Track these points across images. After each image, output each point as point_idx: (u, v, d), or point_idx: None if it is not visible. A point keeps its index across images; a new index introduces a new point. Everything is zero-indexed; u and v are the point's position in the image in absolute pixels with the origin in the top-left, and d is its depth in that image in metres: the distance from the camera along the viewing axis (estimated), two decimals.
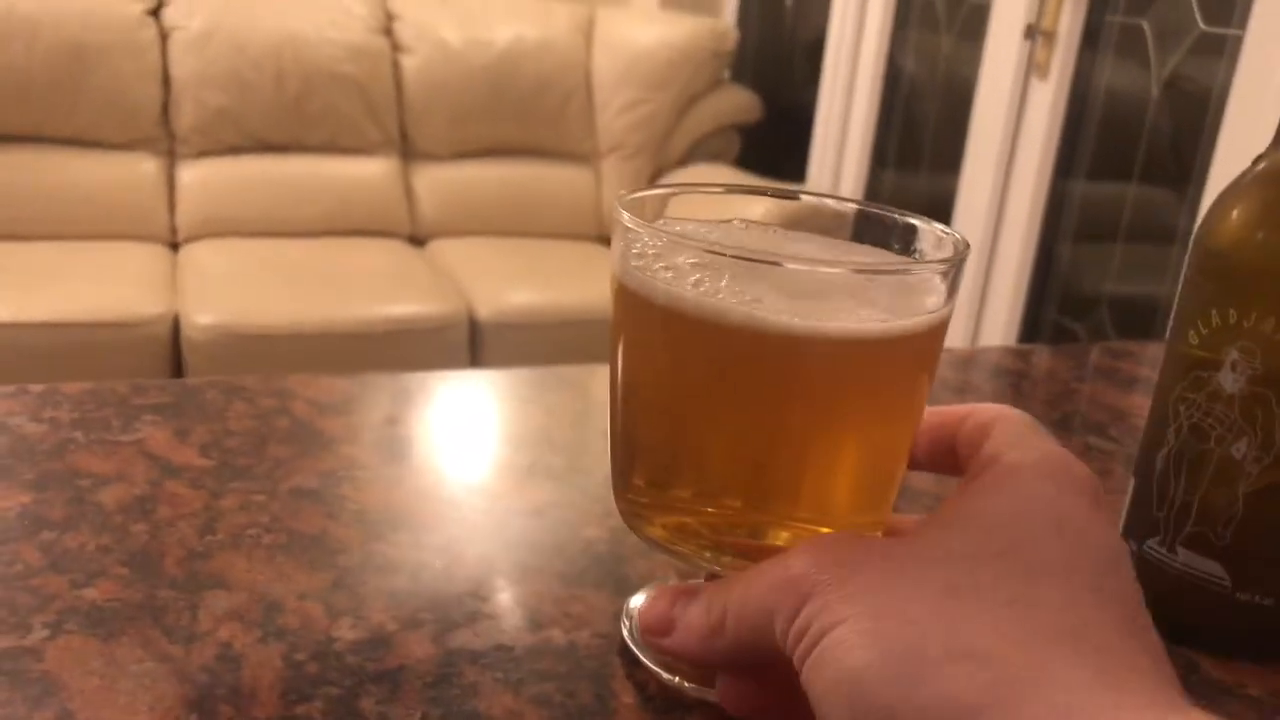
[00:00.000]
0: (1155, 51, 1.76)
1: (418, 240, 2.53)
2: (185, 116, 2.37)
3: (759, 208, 0.37)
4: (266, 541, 0.40)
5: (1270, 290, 0.36)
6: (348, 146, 2.50)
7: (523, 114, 2.61)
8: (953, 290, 0.32)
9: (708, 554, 0.34)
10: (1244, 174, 0.38)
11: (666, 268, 0.31)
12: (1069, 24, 1.91)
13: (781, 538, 0.33)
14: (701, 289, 0.30)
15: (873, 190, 2.41)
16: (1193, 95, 1.68)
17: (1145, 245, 1.82)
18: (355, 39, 2.48)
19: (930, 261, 0.34)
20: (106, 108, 2.30)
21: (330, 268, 2.23)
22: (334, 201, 2.45)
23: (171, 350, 1.95)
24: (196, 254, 2.26)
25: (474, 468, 0.49)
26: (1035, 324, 1.99)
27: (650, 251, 0.32)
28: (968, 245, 0.32)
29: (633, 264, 0.32)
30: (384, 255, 2.36)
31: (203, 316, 1.95)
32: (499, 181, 2.59)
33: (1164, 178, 1.76)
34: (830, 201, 0.37)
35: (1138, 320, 1.82)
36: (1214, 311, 0.37)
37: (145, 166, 2.36)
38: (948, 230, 0.33)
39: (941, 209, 2.07)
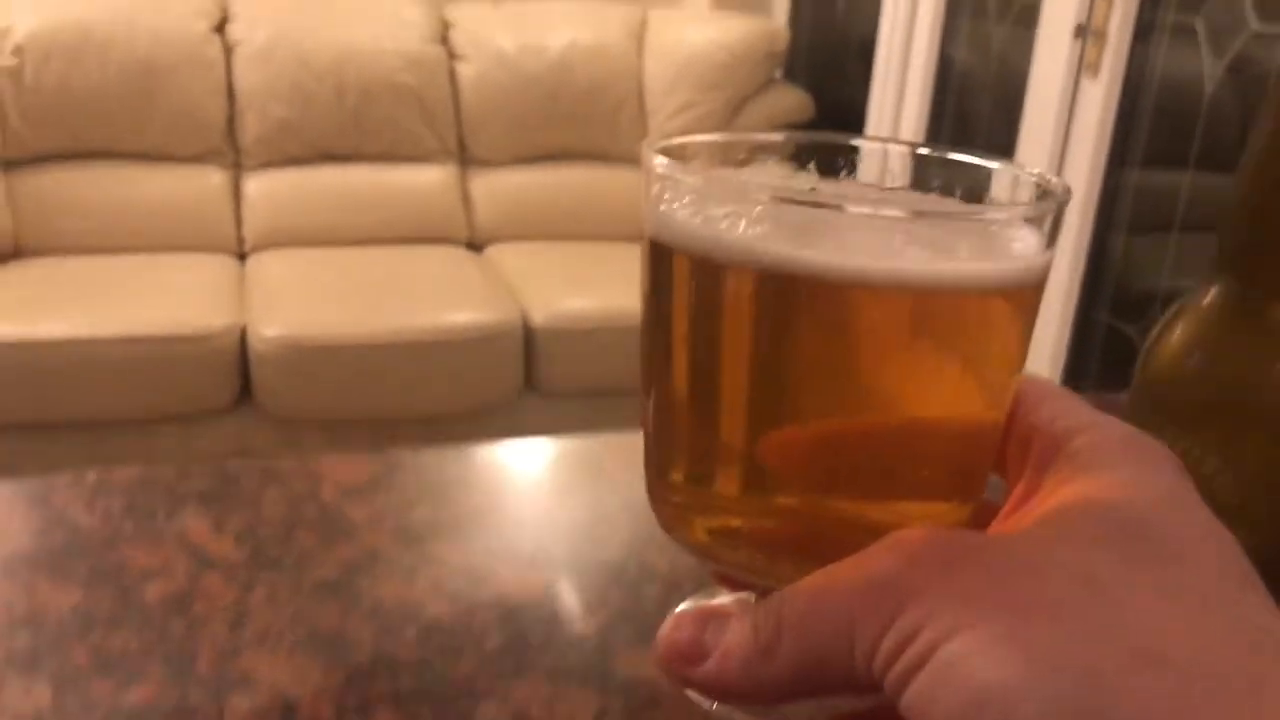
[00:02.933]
0: (1208, 48, 1.73)
1: (475, 245, 2.58)
2: (250, 129, 2.45)
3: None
4: (289, 640, 0.44)
5: (1211, 431, 0.37)
6: (406, 154, 2.56)
7: (577, 119, 2.64)
8: (1052, 238, 0.28)
9: (760, 561, 0.28)
10: (1189, 299, 0.40)
11: (705, 217, 0.27)
12: (1120, 23, 1.89)
13: (854, 538, 0.26)
14: (754, 234, 0.26)
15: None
16: (1252, 79, 1.66)
17: (1201, 234, 1.80)
18: (412, 49, 2.53)
19: (1018, 204, 0.30)
20: (175, 122, 2.39)
21: (389, 276, 2.30)
22: (393, 209, 2.52)
23: (239, 361, 2.03)
24: (263, 264, 2.34)
25: (487, 560, 0.53)
26: (1086, 327, 1.98)
27: (687, 198, 0.28)
28: (1066, 188, 0.28)
29: (673, 215, 0.28)
30: (442, 262, 2.41)
31: (269, 329, 2.02)
32: (554, 186, 2.64)
33: (1222, 163, 1.74)
34: (884, 145, 0.32)
35: None
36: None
37: (213, 179, 2.44)
38: (1029, 171, 0.30)
39: None
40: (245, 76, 2.43)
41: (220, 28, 2.46)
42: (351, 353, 2.02)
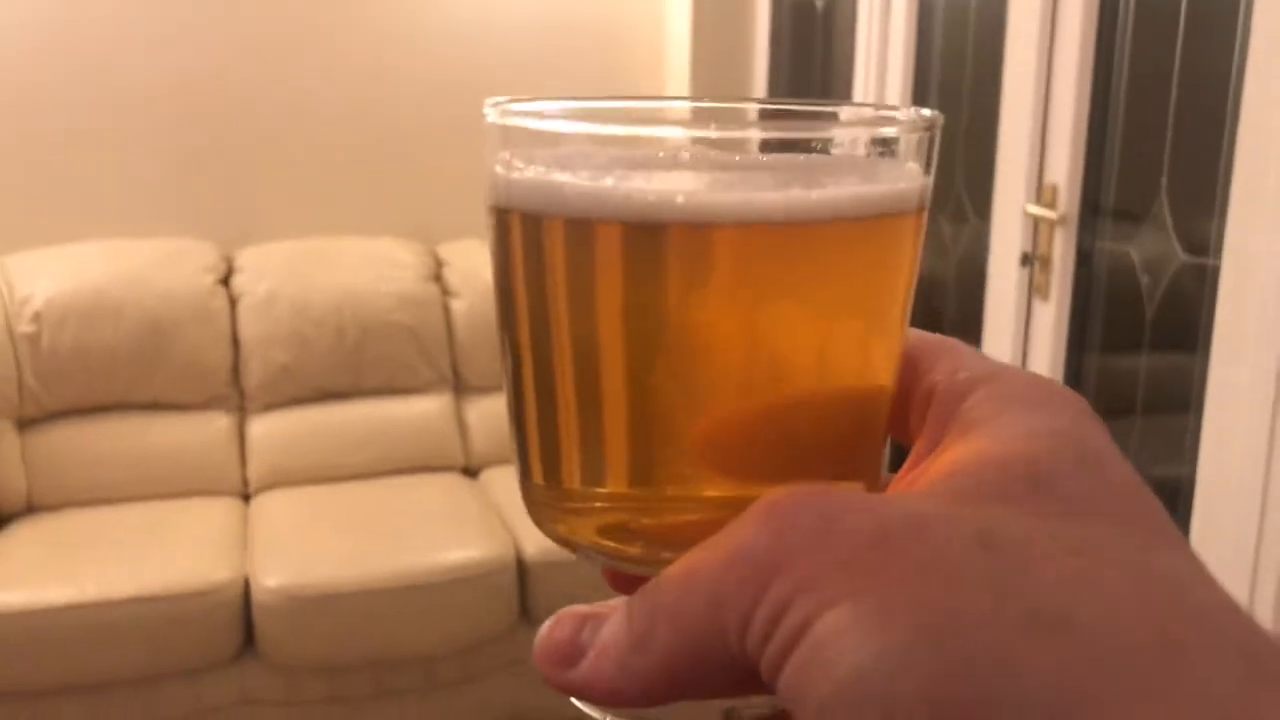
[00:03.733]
0: (1144, 278, 1.85)
1: (471, 471, 2.67)
2: (253, 375, 2.57)
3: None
4: None
5: None
6: (403, 387, 2.68)
7: None
8: (927, 165, 0.26)
9: (666, 554, 0.24)
10: None
11: (552, 168, 0.25)
12: (1061, 251, 2.02)
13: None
14: (613, 181, 0.24)
15: None
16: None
17: (1158, 417, 1.88)
18: (407, 289, 2.68)
19: (889, 119, 0.27)
20: (182, 373, 2.51)
21: (387, 513, 2.37)
22: (391, 441, 2.62)
23: (243, 612, 2.09)
24: (266, 506, 2.42)
25: None
26: None
27: (527, 155, 0.26)
28: (932, 113, 0.26)
29: (514, 175, 0.26)
30: (438, 494, 2.50)
31: (271, 579, 2.09)
32: None
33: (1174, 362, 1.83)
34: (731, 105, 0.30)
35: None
36: None
37: (218, 424, 2.55)
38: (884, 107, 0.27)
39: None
40: (249, 326, 2.57)
41: (226, 280, 2.62)
42: (350, 600, 2.08)
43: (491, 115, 0.26)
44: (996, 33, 1.97)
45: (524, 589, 2.23)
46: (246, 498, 2.50)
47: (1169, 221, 1.73)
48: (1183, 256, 1.77)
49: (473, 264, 2.78)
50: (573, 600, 0.24)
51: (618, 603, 0.23)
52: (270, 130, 2.76)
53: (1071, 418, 0.23)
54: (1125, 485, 0.21)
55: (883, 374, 0.26)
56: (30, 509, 2.36)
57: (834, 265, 0.25)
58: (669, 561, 0.22)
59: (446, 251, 2.81)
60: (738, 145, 0.26)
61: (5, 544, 2.22)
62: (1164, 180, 1.73)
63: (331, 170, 2.83)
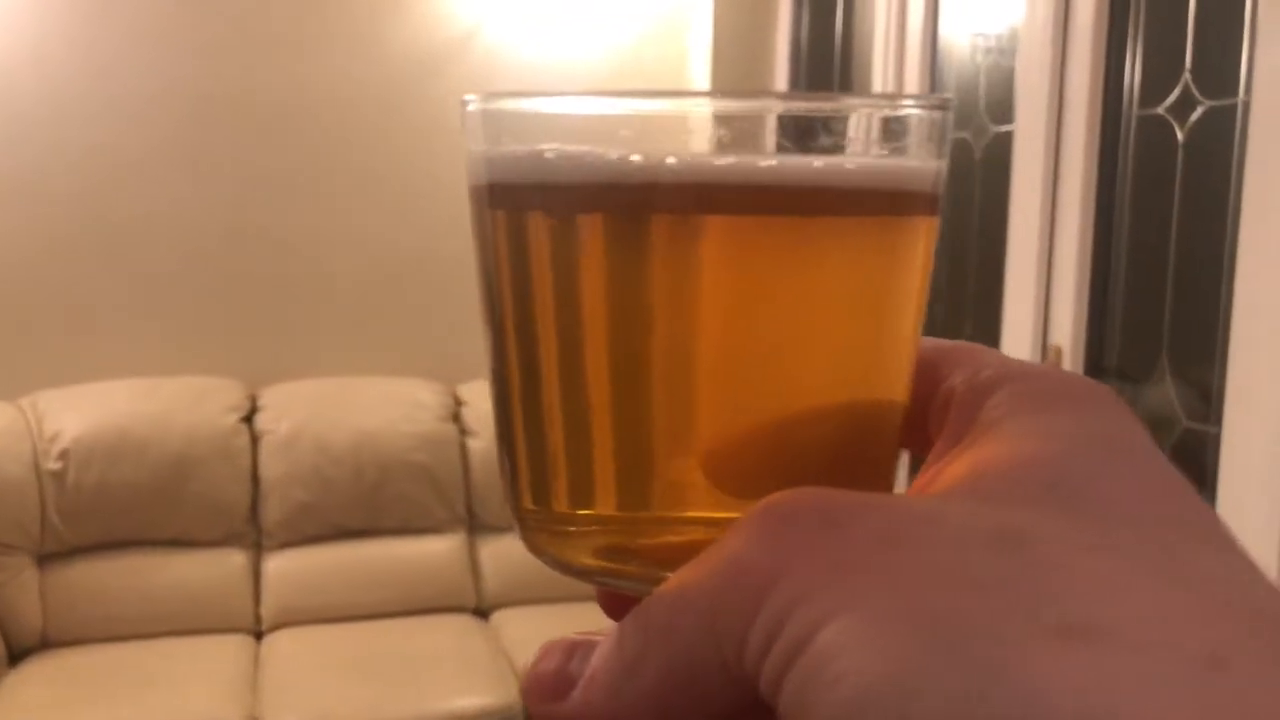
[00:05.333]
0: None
1: (482, 612, 2.67)
2: (272, 513, 2.60)
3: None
4: None
5: None
6: (418, 527, 2.70)
7: None
8: (940, 150, 0.24)
9: (665, 573, 0.22)
10: None
11: (548, 151, 0.23)
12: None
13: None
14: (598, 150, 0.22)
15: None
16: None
17: None
18: (426, 429, 2.73)
19: (900, 101, 0.26)
20: (201, 510, 2.55)
21: (398, 656, 2.37)
22: (405, 581, 2.63)
23: None
24: (278, 646, 2.42)
25: None
26: None
27: (531, 134, 0.24)
28: (942, 98, 0.25)
29: (504, 150, 0.24)
30: (449, 637, 2.50)
31: None
32: None
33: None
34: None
35: None
36: None
37: (234, 560, 2.57)
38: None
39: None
40: (270, 465, 2.61)
41: (249, 417, 2.67)
42: None
43: (474, 104, 0.24)
44: (1000, 213, 2.04)
45: None
46: (259, 635, 2.51)
47: (1171, 386, 1.77)
48: (1185, 421, 1.80)
49: (491, 404, 2.83)
50: None
51: (609, 628, 0.22)
52: (297, 270, 2.85)
53: (1101, 414, 0.21)
54: (1161, 484, 0.19)
55: (897, 381, 0.24)
56: (45, 644, 2.38)
57: (843, 258, 0.23)
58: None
59: (466, 391, 2.87)
60: (743, 126, 0.23)
61: (18, 681, 2.23)
62: (1165, 343, 1.77)
63: (356, 309, 2.91)
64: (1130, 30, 1.76)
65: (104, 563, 2.48)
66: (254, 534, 2.62)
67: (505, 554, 2.73)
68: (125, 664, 2.29)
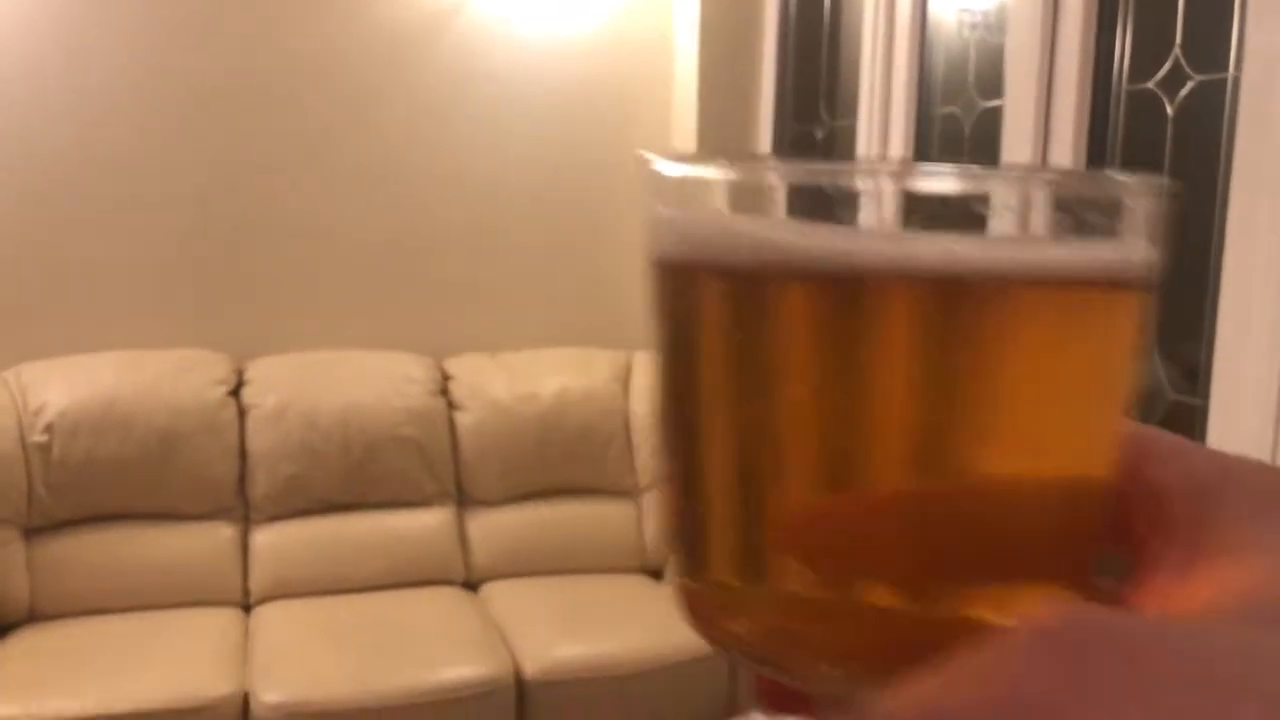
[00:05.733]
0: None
1: (471, 585, 2.68)
2: (259, 486, 2.60)
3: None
4: None
5: None
6: (407, 500, 2.70)
7: (569, 458, 2.80)
8: (1152, 238, 0.24)
9: (824, 665, 0.22)
10: None
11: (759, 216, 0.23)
12: None
13: (949, 628, 0.21)
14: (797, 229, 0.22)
15: None
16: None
17: None
18: (414, 404, 2.72)
19: (1115, 182, 0.24)
20: (189, 484, 2.55)
21: (387, 628, 2.38)
22: (393, 555, 2.63)
23: None
24: (267, 618, 2.43)
25: None
26: None
27: (719, 199, 0.24)
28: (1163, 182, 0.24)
29: (680, 219, 0.23)
30: (438, 608, 2.50)
31: (270, 694, 2.09)
32: (547, 523, 2.76)
33: None
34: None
35: None
36: None
37: (222, 534, 2.57)
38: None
39: None
40: (257, 438, 2.61)
41: (236, 391, 2.66)
42: (350, 718, 2.08)
43: (659, 166, 0.24)
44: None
45: (522, 707, 2.23)
46: (247, 608, 2.51)
47: (1157, 360, 1.78)
48: (1172, 394, 1.82)
49: (479, 378, 2.83)
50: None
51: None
52: (283, 244, 2.84)
53: None
54: None
55: (1104, 463, 0.23)
56: (32, 617, 2.37)
57: (1060, 333, 0.22)
58: (839, 678, 0.20)
59: (453, 365, 2.86)
60: (961, 203, 0.22)
61: (6, 653, 2.23)
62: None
63: (343, 283, 2.90)
64: (1121, 5, 1.77)
65: (91, 536, 2.47)
66: (242, 507, 2.61)
67: (493, 527, 2.74)
68: (113, 637, 2.29)
